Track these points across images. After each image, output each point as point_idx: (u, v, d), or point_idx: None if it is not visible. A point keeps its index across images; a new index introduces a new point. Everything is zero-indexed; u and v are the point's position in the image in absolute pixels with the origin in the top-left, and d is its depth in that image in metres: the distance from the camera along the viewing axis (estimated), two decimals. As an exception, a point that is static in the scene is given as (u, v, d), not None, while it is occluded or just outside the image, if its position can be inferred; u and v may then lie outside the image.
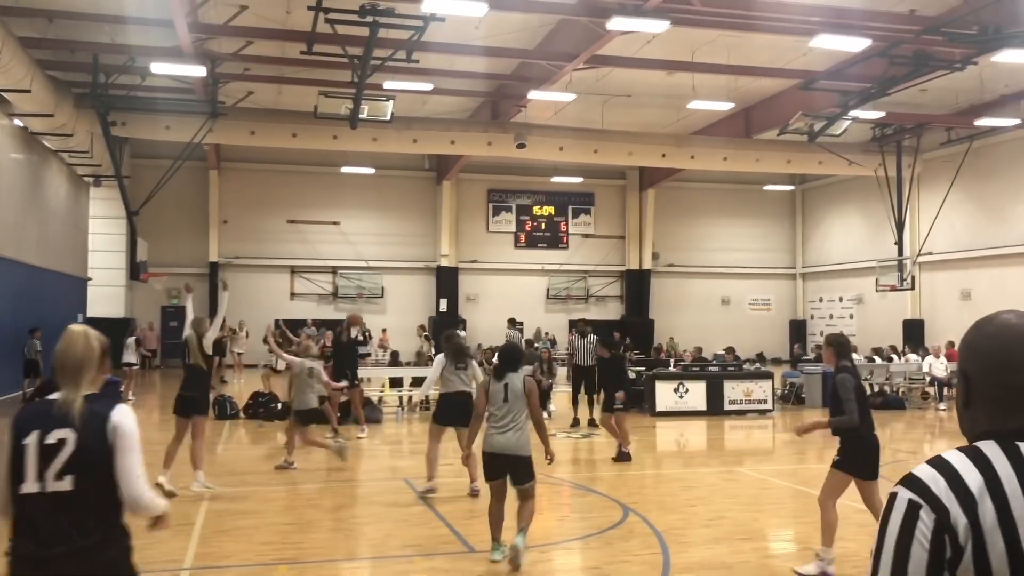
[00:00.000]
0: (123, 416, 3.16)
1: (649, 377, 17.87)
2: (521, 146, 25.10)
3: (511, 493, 6.83)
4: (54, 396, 3.17)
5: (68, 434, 3.05)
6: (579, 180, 34.39)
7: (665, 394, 17.48)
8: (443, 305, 33.87)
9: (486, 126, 25.90)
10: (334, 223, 33.54)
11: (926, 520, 1.58)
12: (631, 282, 36.08)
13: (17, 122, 21.05)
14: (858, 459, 6.53)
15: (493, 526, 6.88)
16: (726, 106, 24.99)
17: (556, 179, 34.07)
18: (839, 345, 6.78)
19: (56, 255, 24.85)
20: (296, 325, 30.26)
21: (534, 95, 22.11)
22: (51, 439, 3.04)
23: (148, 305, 31.39)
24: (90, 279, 29.33)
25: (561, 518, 8.68)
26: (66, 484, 3.02)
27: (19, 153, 21.64)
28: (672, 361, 21.55)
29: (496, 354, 7.40)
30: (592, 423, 15.04)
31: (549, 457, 7.04)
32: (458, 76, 22.55)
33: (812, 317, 37.36)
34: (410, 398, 18.22)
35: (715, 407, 17.54)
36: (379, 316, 33.07)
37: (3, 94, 18.66)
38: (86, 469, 3.05)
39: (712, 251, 36.90)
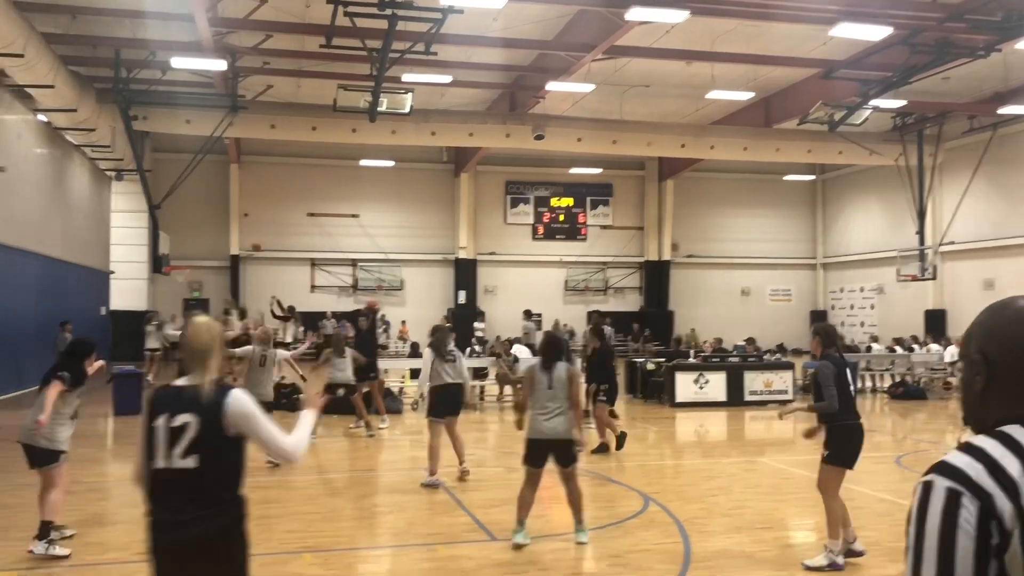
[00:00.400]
0: (236, 401, 3.49)
1: (668, 368, 17.86)
2: (539, 137, 25.09)
3: (548, 480, 6.93)
4: (182, 382, 3.53)
5: (191, 419, 3.41)
6: (597, 171, 34.35)
7: (685, 385, 17.47)
8: (462, 297, 33.96)
9: (504, 118, 25.90)
10: (353, 216, 33.69)
11: (969, 507, 1.53)
12: (650, 273, 36.02)
13: (41, 117, 21.28)
14: (845, 449, 6.60)
15: (521, 510, 7.05)
16: (746, 96, 24.86)
17: (574, 170, 34.06)
18: (826, 335, 6.86)
19: (79, 249, 25.11)
20: (316, 317, 30.53)
21: (552, 86, 22.10)
22: (177, 422, 3.42)
23: (170, 298, 31.65)
24: (113, 272, 29.64)
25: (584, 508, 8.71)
26: (190, 462, 3.40)
27: (43, 148, 21.87)
28: (692, 352, 21.53)
29: (541, 345, 7.52)
30: (611, 413, 15.05)
31: (580, 447, 7.25)
32: (476, 68, 22.57)
33: (833, 307, 37.16)
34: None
35: (735, 398, 17.51)
36: (399, 308, 33.23)
37: (27, 90, 18.88)
38: (205, 450, 3.41)
39: (732, 242, 36.75)
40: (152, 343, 21.88)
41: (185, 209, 29.81)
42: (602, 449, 11.82)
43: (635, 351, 31.13)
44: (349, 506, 8.74)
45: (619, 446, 11.85)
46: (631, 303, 36.18)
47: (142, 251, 30.03)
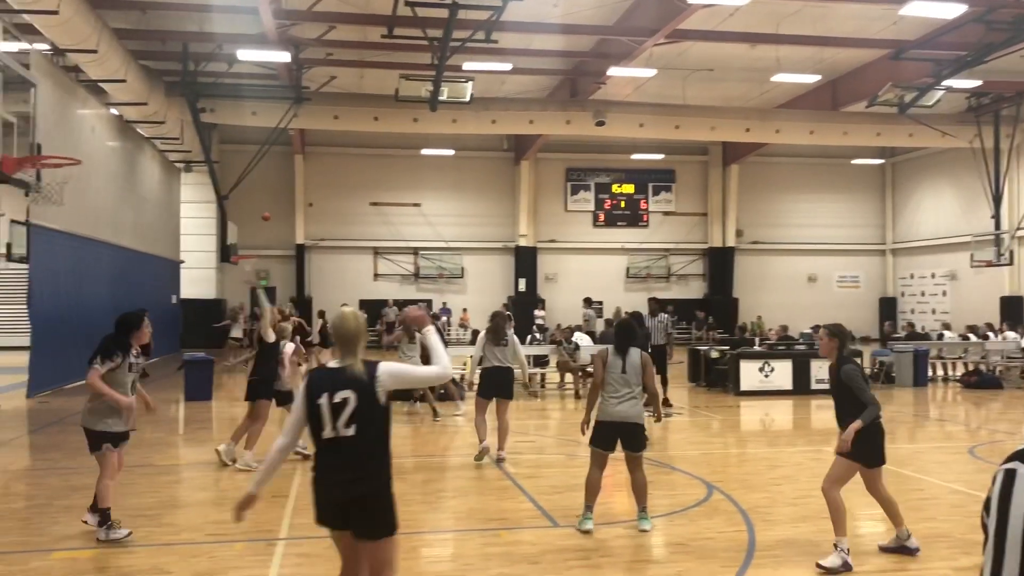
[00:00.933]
0: (384, 369, 4.13)
1: (733, 356, 17.65)
2: (600, 124, 24.94)
3: (611, 467, 6.96)
4: (335, 364, 4.13)
5: (349, 394, 4.02)
6: (660, 157, 34.01)
7: (750, 373, 17.24)
8: (522, 285, 34.02)
9: (565, 105, 25.81)
10: (415, 205, 33.95)
11: None
12: (714, 260, 35.58)
13: (113, 111, 21.89)
14: (866, 446, 6.35)
15: (590, 495, 7.11)
16: (812, 78, 24.34)
17: (636, 156, 33.78)
18: (841, 335, 6.61)
19: (150, 239, 25.81)
20: (378, 305, 30.94)
21: (613, 72, 21.93)
22: (338, 398, 4.01)
23: (238, 287, 32.35)
24: (183, 262, 30.39)
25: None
26: (351, 431, 4.01)
27: (115, 141, 22.50)
28: (756, 340, 21.23)
29: (614, 330, 7.61)
30: (667, 402, 14.92)
31: (657, 415, 7.90)
32: (536, 55, 22.51)
33: (903, 294, 36.24)
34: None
35: (801, 386, 17.21)
36: (459, 296, 33.44)
37: (100, 84, 19.44)
38: (364, 420, 4.03)
39: (798, 227, 36.07)
40: (236, 332, 23.15)
41: (252, 199, 30.36)
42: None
43: (698, 339, 30.84)
44: (413, 490, 8.83)
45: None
46: (694, 290, 35.80)
47: (210, 241, 30.75)
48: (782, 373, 17.31)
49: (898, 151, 35.14)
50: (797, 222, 36.10)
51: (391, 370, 4.16)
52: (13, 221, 16.86)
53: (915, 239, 35.35)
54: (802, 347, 18.55)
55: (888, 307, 35.90)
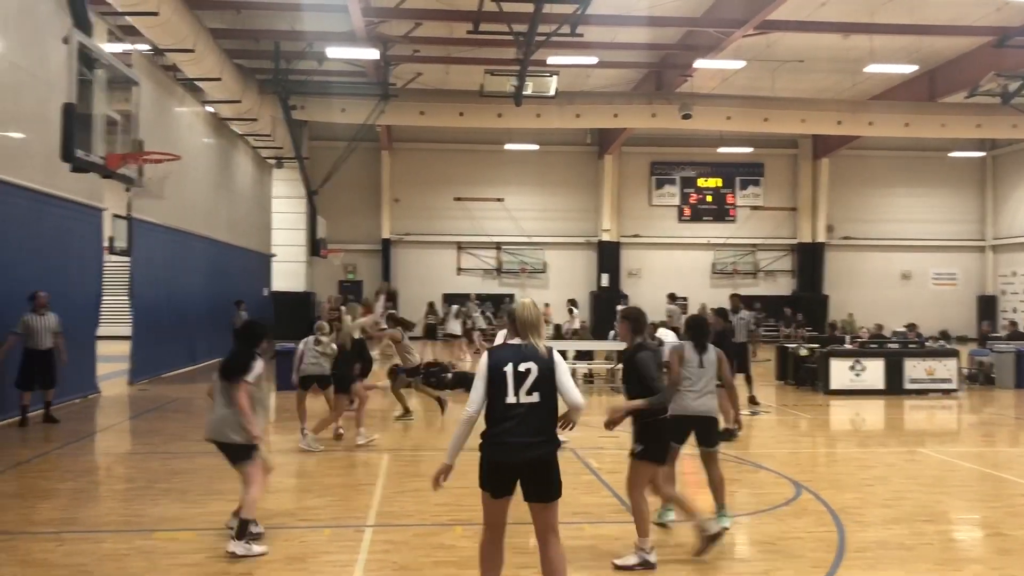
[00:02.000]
0: (558, 355, 4.83)
1: (823, 354, 17.22)
2: (686, 117, 24.62)
3: (691, 465, 6.83)
4: (516, 341, 4.79)
5: (532, 365, 4.68)
6: (748, 150, 33.39)
7: (840, 372, 16.80)
8: (605, 280, 33.86)
9: (650, 98, 25.55)
10: (498, 199, 34.13)
11: None
12: (803, 256, 34.77)
13: (208, 109, 22.61)
14: (654, 444, 6.21)
15: (717, 494, 7.13)
16: (908, 69, 23.52)
17: (723, 150, 33.23)
18: (635, 320, 6.45)
19: (244, 233, 26.59)
20: (460, 299, 31.23)
21: (700, 64, 21.62)
22: (522, 368, 4.67)
23: (326, 280, 33.08)
24: (274, 255, 31.22)
25: (730, 493, 8.53)
26: (534, 397, 4.66)
27: (210, 138, 23.24)
28: (848, 338, 20.65)
29: (690, 326, 7.54)
30: (752, 400, 14.63)
31: (737, 425, 8.01)
32: (622, 48, 22.34)
33: (1004, 292, 34.76)
34: (573, 371, 18.38)
35: (894, 386, 16.69)
36: (542, 291, 33.48)
37: (196, 83, 20.11)
38: (544, 388, 4.68)
39: (892, 222, 34.95)
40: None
41: (340, 195, 31.05)
42: (726, 435, 11.51)
43: (786, 337, 30.20)
44: (497, 483, 8.90)
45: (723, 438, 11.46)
46: (783, 287, 35.06)
47: (301, 235, 31.49)
48: (874, 372, 16.82)
49: (999, 143, 33.70)
50: (891, 217, 34.97)
51: (560, 359, 4.82)
52: (116, 215, 17.60)
53: (1018, 235, 33.83)
54: (895, 345, 17.98)
55: (987, 306, 34.48)
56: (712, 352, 7.18)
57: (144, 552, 6.33)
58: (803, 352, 18.28)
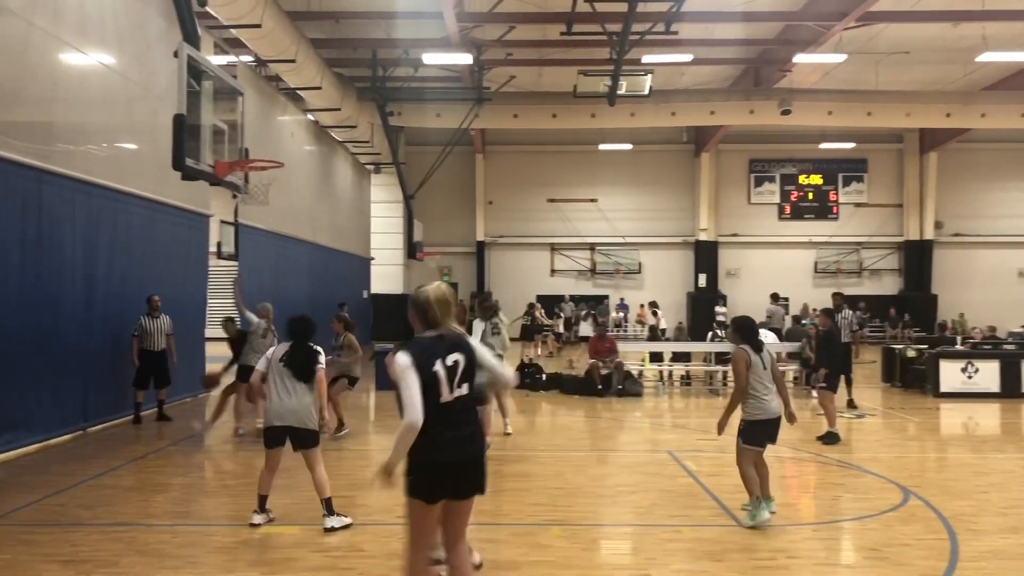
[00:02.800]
0: (468, 337, 4.56)
1: (932, 356, 16.56)
2: (786, 112, 24.05)
3: (793, 469, 6.73)
4: (436, 332, 4.40)
5: (459, 356, 4.37)
6: (850, 146, 32.36)
7: (951, 374, 16.12)
8: (702, 280, 33.36)
9: (747, 94, 25.06)
10: (592, 200, 34.02)
11: None
12: (910, 254, 33.50)
13: (309, 117, 23.27)
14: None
15: (754, 485, 7.11)
16: (1024, 56, 22.39)
17: (824, 145, 32.32)
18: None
19: (344, 237, 27.24)
20: (554, 301, 31.30)
21: (800, 58, 21.10)
22: (450, 361, 4.33)
23: (422, 282, 33.50)
24: (373, 259, 31.88)
25: (834, 497, 8.32)
26: (464, 390, 4.37)
27: (311, 145, 23.91)
28: (959, 339, 19.80)
29: (738, 328, 7.48)
30: (851, 404, 14.15)
31: (791, 419, 7.46)
32: (718, 44, 22.00)
33: None
34: (671, 372, 18.19)
35: (1011, 389, 15.91)
36: (637, 292, 33.20)
37: (298, 92, 20.72)
38: (471, 377, 4.41)
39: (1005, 218, 33.31)
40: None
41: (435, 198, 31.50)
42: (829, 438, 11.16)
43: (892, 337, 29.16)
44: (592, 484, 8.88)
45: (826, 441, 11.10)
46: (888, 286, 33.85)
47: (398, 238, 32.08)
48: (988, 374, 16.07)
49: None
50: (1005, 213, 33.34)
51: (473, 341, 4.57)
52: (223, 221, 18.26)
53: None
54: (1011, 346, 17.13)
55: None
56: (767, 352, 7.32)
57: (251, 545, 6.56)
58: (910, 353, 17.63)
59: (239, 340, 12.11)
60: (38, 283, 10.30)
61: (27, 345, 10.07)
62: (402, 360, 4.25)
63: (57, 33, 10.61)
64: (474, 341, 4.59)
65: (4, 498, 7.89)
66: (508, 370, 4.78)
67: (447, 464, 4.28)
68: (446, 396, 4.27)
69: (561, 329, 29.67)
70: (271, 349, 7.23)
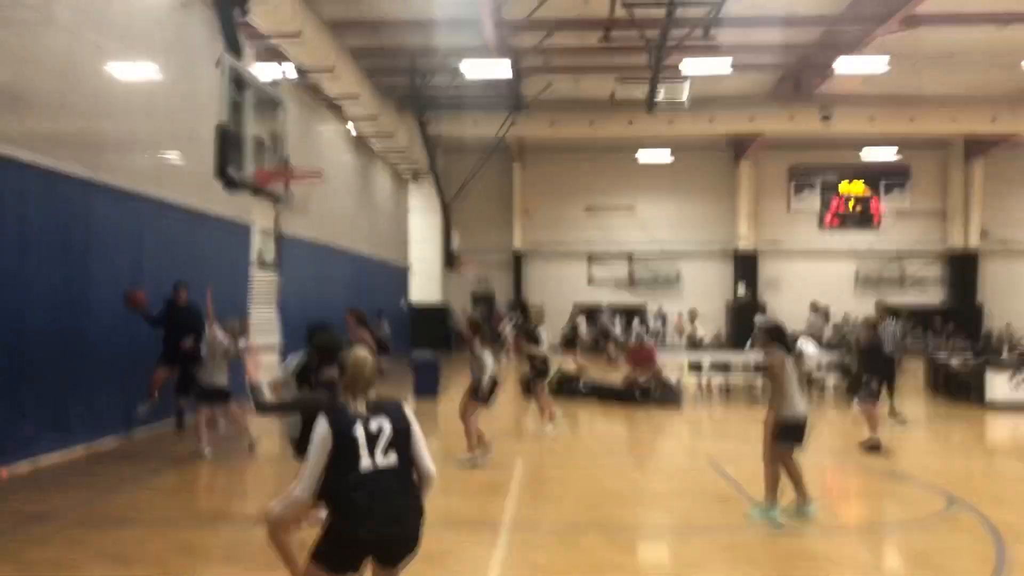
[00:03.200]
0: (410, 410, 4.21)
1: (978, 365, 16.25)
2: (826, 119, 23.84)
3: (833, 478, 6.64)
4: (352, 403, 4.09)
5: (384, 422, 4.05)
6: (893, 152, 31.86)
7: (998, 384, 15.77)
8: (741, 290, 33.06)
9: (787, 100, 24.86)
10: (629, 208, 33.88)
11: None
12: (954, 264, 32.86)
13: (348, 126, 23.50)
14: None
15: (799, 487, 7.26)
16: (1074, 59, 21.94)
17: (866, 152, 31.86)
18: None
19: (383, 246, 27.44)
20: (592, 310, 31.22)
21: (841, 64, 20.84)
22: (373, 426, 4.02)
23: (460, 291, 33.71)
24: (411, 267, 32.06)
25: (878, 504, 8.20)
26: (391, 459, 4.02)
27: (350, 155, 24.14)
28: (1006, 348, 19.41)
29: (773, 331, 7.75)
30: (893, 412, 13.86)
31: None
32: (757, 50, 21.84)
33: None
34: (709, 381, 18.06)
35: (1060, 399, 15.55)
36: (675, 302, 32.95)
37: (337, 101, 20.95)
38: (402, 447, 4.08)
39: (1055, 226, 32.58)
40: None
41: (472, 207, 31.58)
42: (872, 446, 10.97)
43: (936, 347, 28.64)
44: (630, 489, 8.84)
45: (869, 449, 10.89)
46: (932, 296, 33.24)
47: (435, 247, 32.21)
48: (1036, 384, 15.71)
49: None
50: (1054, 220, 32.61)
51: (413, 416, 4.21)
52: (263, 231, 18.50)
53: None
54: (1061, 356, 16.76)
55: None
56: (797, 354, 7.61)
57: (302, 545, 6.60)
58: (955, 363, 17.32)
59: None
60: (85, 290, 10.52)
61: (74, 350, 10.28)
62: (319, 425, 3.99)
63: (103, 45, 10.85)
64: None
65: (54, 499, 8.05)
66: (430, 462, 4.25)
67: (364, 539, 3.91)
68: (366, 463, 3.93)
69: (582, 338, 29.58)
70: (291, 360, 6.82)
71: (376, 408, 4.08)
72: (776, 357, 7.30)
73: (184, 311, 11.56)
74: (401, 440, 4.05)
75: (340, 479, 3.89)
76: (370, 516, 3.86)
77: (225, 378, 10.59)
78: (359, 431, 3.95)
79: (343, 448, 3.91)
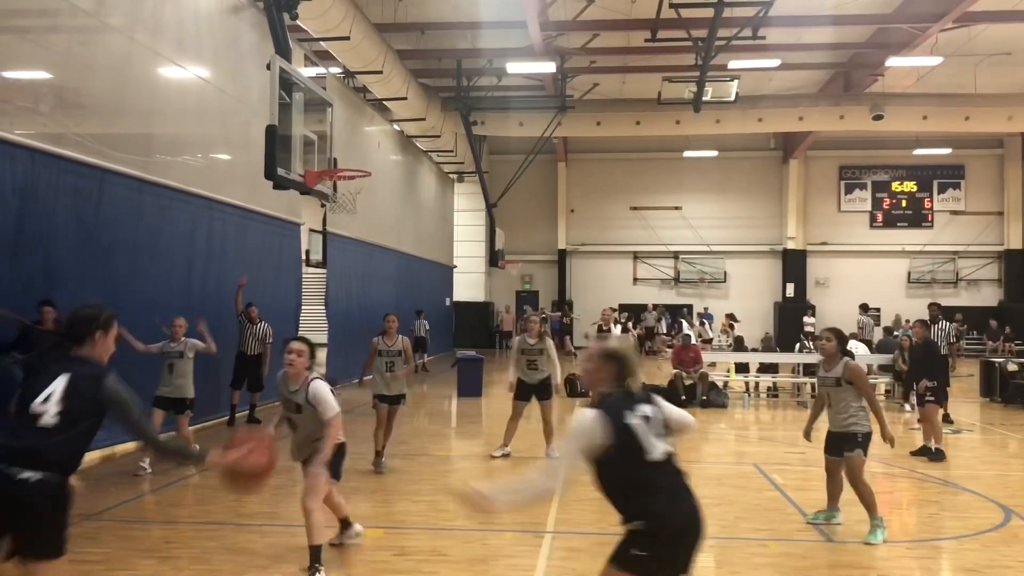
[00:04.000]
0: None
1: (1034, 369, 15.86)
2: (878, 118, 23.38)
3: (885, 485, 6.57)
4: (615, 388, 3.80)
5: (648, 408, 3.82)
6: (946, 151, 31.18)
7: (1055, 389, 15.38)
8: (790, 290, 32.63)
9: (837, 99, 24.46)
10: (676, 208, 33.63)
11: None
12: (1011, 264, 32.07)
13: (395, 127, 23.66)
14: None
15: (837, 495, 7.37)
16: None
17: (919, 151, 31.22)
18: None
19: (428, 245, 27.58)
20: (637, 309, 31.07)
21: (893, 62, 20.47)
22: (646, 413, 3.77)
23: (504, 290, 33.76)
24: (455, 266, 32.19)
25: (930, 515, 8.02)
26: (668, 446, 3.86)
27: (397, 155, 24.30)
28: (1064, 352, 18.91)
29: (845, 339, 7.60)
30: (947, 418, 13.42)
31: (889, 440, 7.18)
32: (806, 49, 21.51)
33: None
34: (756, 384, 17.86)
35: (1122, 406, 15.11)
36: (722, 301, 32.63)
37: (384, 102, 21.10)
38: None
39: (1117, 226, 31.63)
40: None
41: (517, 207, 31.58)
42: (922, 452, 10.74)
43: (992, 351, 27.99)
44: (676, 495, 8.75)
45: (933, 458, 10.63)
46: (987, 297, 32.48)
47: (480, 247, 32.30)
48: (1097, 390, 15.28)
49: None
50: (1116, 220, 31.66)
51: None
52: (312, 230, 18.74)
53: None
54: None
55: None
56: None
57: (335, 547, 6.66)
58: (1012, 367, 16.91)
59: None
60: (140, 288, 10.72)
61: (126, 346, 10.47)
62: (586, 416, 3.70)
63: (156, 48, 11.05)
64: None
65: (103, 495, 8.22)
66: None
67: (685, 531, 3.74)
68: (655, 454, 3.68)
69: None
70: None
71: (642, 396, 3.83)
72: (859, 368, 7.16)
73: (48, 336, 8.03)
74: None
75: (630, 472, 3.75)
76: (680, 509, 3.82)
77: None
78: (635, 420, 3.71)
79: (627, 438, 3.70)
